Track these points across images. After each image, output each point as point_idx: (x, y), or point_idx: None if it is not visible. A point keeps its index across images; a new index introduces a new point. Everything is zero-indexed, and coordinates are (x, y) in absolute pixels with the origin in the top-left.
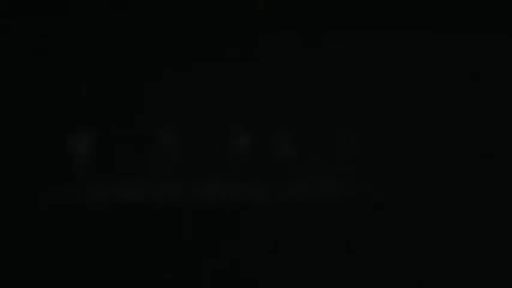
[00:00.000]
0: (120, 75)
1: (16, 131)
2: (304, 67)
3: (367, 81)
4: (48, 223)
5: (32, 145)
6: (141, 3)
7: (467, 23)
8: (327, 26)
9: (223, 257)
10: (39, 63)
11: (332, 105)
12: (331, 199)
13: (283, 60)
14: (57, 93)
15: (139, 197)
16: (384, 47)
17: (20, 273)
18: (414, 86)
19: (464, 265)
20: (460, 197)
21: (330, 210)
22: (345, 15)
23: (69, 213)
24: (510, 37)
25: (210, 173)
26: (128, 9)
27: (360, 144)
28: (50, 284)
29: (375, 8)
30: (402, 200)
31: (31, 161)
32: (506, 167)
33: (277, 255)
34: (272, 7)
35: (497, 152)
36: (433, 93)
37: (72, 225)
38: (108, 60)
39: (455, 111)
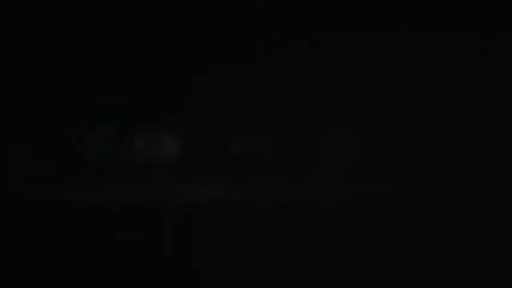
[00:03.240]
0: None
1: (18, 128)
2: (305, 67)
3: (369, 81)
4: (47, 222)
5: (34, 143)
6: (138, 4)
7: (469, 22)
8: (327, 26)
9: (225, 256)
10: (43, 61)
11: (332, 105)
12: (331, 200)
13: (284, 60)
14: (58, 93)
15: (142, 198)
16: (384, 47)
17: (17, 270)
18: (415, 86)
19: (465, 265)
20: (461, 198)
21: (329, 211)
22: (345, 15)
23: (68, 212)
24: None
25: (212, 174)
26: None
27: (360, 145)
28: (47, 283)
29: (375, 8)
30: (402, 200)
31: (33, 160)
32: (507, 169)
33: (277, 255)
34: (272, 7)
35: (498, 153)
36: (434, 94)
37: (71, 224)
38: (107, 60)
39: (455, 111)
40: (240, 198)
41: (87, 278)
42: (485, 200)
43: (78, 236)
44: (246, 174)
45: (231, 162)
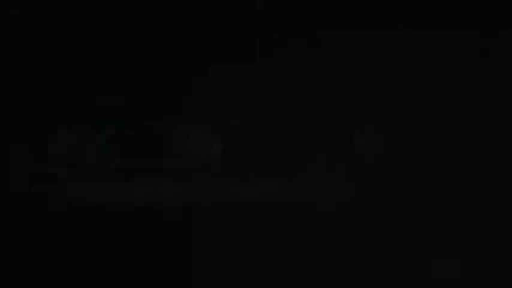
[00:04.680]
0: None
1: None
2: (306, 67)
3: (369, 81)
4: (46, 223)
5: (30, 143)
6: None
7: (470, 22)
8: (327, 26)
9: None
10: (39, 57)
11: (333, 106)
12: (330, 200)
13: (284, 60)
14: (54, 91)
15: (141, 198)
16: (384, 47)
17: (17, 273)
18: (415, 86)
19: (466, 266)
20: (463, 198)
21: (328, 211)
22: (345, 15)
23: (67, 213)
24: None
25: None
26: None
27: (361, 145)
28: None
29: (375, 8)
30: (401, 201)
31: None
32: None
33: (274, 256)
34: (272, 7)
35: (498, 153)
36: (433, 94)
37: (70, 226)
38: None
39: (454, 111)
40: (239, 198)
41: (90, 280)
42: (488, 201)
43: (89, 238)
44: (246, 174)
45: (232, 162)
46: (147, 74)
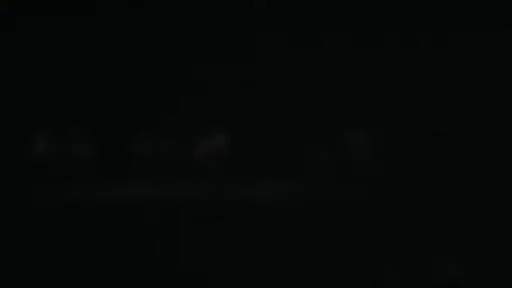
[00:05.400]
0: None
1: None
2: (306, 67)
3: (369, 81)
4: (45, 223)
5: (27, 143)
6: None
7: (476, 22)
8: (327, 26)
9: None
10: (44, 62)
11: (332, 106)
12: (330, 199)
13: (284, 60)
14: (55, 92)
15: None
16: (384, 47)
17: (15, 272)
18: (415, 86)
19: (466, 266)
20: (463, 198)
21: (328, 210)
22: (345, 15)
23: (66, 213)
24: None
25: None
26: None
27: (361, 145)
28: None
29: (376, 8)
30: (400, 200)
31: (28, 160)
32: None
33: (276, 254)
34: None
35: (498, 153)
36: (433, 93)
37: (69, 225)
38: (111, 62)
39: (454, 111)
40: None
41: (83, 279)
42: (488, 202)
43: (73, 236)
44: (247, 175)
45: (232, 162)
46: (147, 74)
